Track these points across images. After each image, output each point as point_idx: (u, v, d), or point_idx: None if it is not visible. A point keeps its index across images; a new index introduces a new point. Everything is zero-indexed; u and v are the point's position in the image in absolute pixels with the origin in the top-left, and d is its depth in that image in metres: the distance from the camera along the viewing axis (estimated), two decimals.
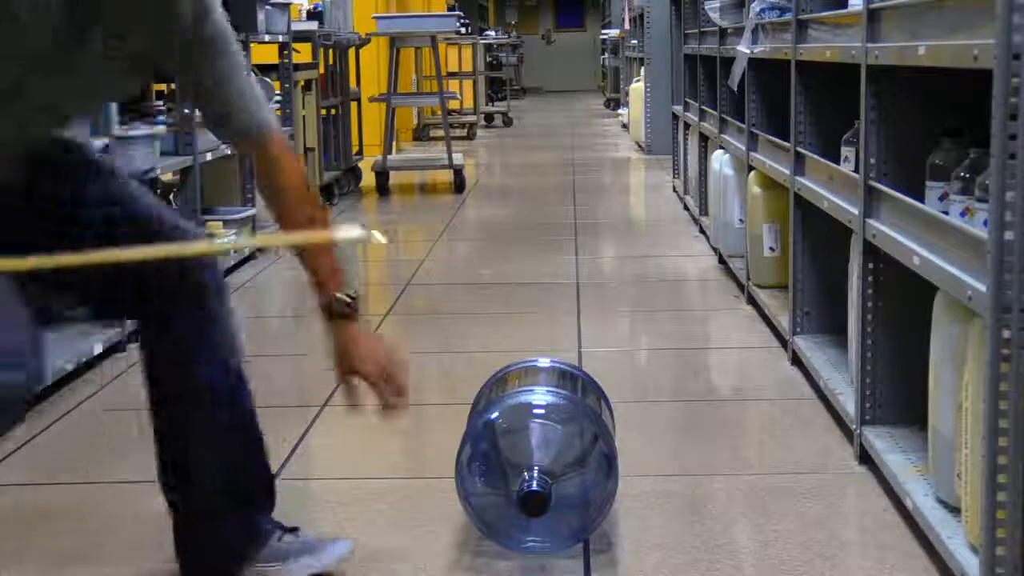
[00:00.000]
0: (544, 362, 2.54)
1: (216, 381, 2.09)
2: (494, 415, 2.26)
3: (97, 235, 1.97)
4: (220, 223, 4.98)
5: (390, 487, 2.70)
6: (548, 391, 2.32)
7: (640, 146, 10.48)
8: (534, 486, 2.16)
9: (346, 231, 1.93)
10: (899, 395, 2.69)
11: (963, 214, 2.16)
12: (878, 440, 2.61)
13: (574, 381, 2.47)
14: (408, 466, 2.90)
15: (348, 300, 2.06)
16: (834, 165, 3.01)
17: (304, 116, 6.93)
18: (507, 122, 14.75)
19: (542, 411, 2.28)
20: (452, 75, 13.66)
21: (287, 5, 6.35)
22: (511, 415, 2.28)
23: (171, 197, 4.93)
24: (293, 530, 2.21)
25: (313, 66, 7.20)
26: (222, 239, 1.97)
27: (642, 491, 2.59)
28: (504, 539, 2.27)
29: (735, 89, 4.56)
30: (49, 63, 1.78)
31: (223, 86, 1.96)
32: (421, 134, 12.62)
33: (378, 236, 2.02)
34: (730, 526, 2.41)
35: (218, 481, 2.12)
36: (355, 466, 2.85)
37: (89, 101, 1.91)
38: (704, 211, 5.80)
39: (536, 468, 2.19)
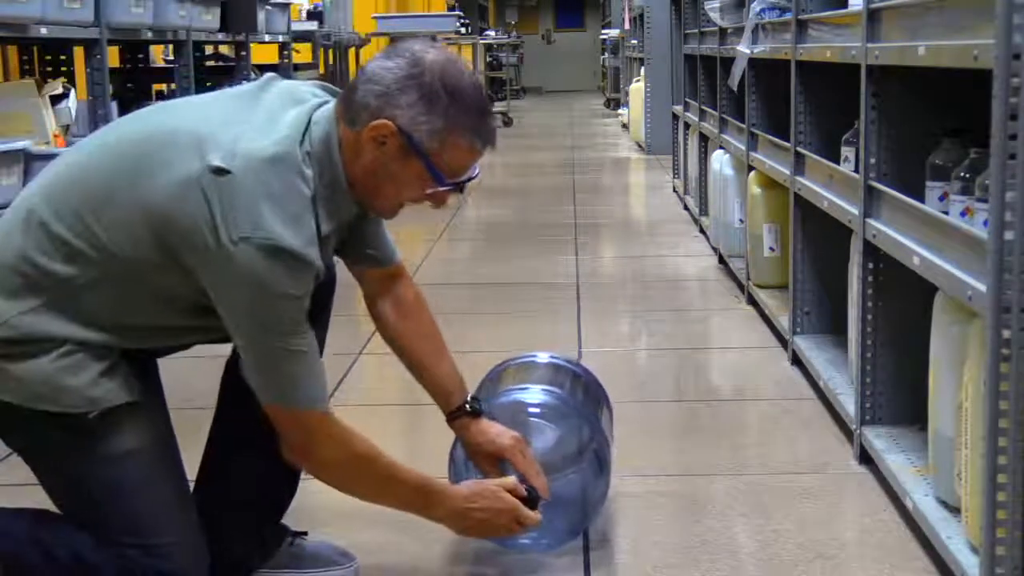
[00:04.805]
0: (542, 357, 2.51)
1: None
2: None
3: None
4: None
5: None
6: (542, 390, 2.31)
7: (640, 146, 10.48)
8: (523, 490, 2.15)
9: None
10: (899, 395, 2.69)
11: (963, 214, 2.17)
12: (878, 440, 2.61)
13: (571, 378, 2.45)
14: (407, 466, 2.89)
15: (478, 399, 2.21)
16: (834, 165, 3.01)
17: None
18: (507, 122, 14.74)
19: (535, 410, 2.27)
20: None
21: (287, 5, 6.35)
22: (504, 414, 2.24)
23: None
24: (302, 534, 2.20)
25: (313, 66, 7.20)
26: None
27: (642, 491, 2.59)
28: (499, 537, 2.26)
29: (735, 89, 4.56)
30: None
31: (361, 231, 2.08)
32: None
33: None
34: (730, 526, 2.41)
35: (254, 492, 2.11)
36: None
37: None
38: (704, 211, 5.80)
39: None
